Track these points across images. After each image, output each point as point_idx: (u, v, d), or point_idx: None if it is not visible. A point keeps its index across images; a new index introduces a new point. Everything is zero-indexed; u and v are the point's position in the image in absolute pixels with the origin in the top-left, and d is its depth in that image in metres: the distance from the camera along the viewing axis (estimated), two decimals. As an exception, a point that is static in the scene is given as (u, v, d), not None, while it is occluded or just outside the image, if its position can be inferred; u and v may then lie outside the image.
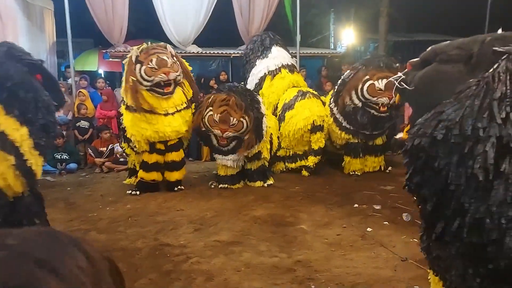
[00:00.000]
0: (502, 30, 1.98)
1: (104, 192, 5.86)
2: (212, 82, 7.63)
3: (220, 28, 10.48)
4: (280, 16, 10.85)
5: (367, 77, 6.03)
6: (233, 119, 5.55)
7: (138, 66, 5.34)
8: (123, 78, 5.59)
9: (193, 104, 5.89)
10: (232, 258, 3.69)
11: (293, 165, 6.70)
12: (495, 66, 1.62)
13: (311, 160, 6.48)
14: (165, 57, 5.41)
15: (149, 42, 5.82)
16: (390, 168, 6.71)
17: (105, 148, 7.31)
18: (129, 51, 8.88)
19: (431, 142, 1.71)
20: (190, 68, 6.04)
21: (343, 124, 6.37)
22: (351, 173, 6.48)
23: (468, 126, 1.60)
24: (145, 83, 5.32)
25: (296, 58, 8.81)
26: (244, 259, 3.67)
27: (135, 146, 5.62)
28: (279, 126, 6.55)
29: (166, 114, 5.46)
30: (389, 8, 8.95)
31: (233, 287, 3.23)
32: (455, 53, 1.86)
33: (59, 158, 7.08)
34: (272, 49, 7.12)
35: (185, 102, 5.64)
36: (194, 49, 9.24)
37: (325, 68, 9.25)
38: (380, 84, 5.93)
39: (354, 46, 11.27)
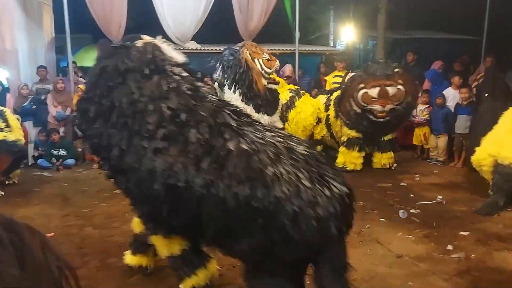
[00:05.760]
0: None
1: (100, 188, 5.83)
2: (206, 79, 7.57)
3: (219, 24, 10.44)
4: (280, 13, 10.82)
5: (362, 85, 6.14)
6: None
7: None
8: None
9: None
10: (228, 254, 3.68)
11: None
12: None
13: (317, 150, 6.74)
14: None
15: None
16: (395, 165, 6.70)
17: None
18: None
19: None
20: None
21: (351, 126, 6.49)
22: (341, 166, 6.44)
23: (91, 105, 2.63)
24: None
25: (295, 55, 8.80)
26: (240, 255, 3.66)
27: None
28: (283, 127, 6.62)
29: None
30: (387, 5, 8.91)
31: (229, 283, 3.22)
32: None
33: (56, 154, 7.06)
34: None
35: None
36: (193, 45, 9.21)
37: (324, 65, 9.23)
38: (373, 92, 6.02)
39: (353, 43, 11.24)
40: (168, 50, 2.73)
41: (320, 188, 2.23)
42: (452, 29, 11.00)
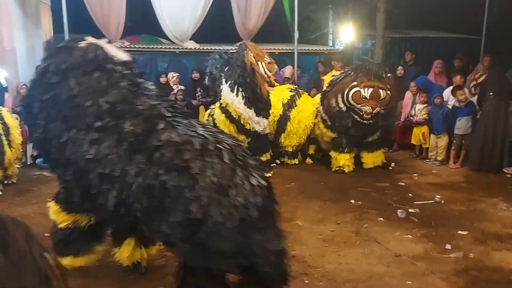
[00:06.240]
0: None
1: (100, 188, 5.83)
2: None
3: (217, 24, 10.43)
4: (278, 12, 10.80)
5: (355, 83, 6.03)
6: None
7: None
8: None
9: None
10: (226, 254, 3.68)
11: (295, 161, 6.85)
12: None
13: (312, 148, 6.96)
14: None
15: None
16: (393, 164, 6.69)
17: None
18: (126, 47, 8.96)
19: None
20: None
21: (328, 123, 6.47)
22: (336, 168, 6.42)
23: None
24: None
25: (294, 54, 8.80)
26: (238, 255, 3.66)
27: None
28: (286, 126, 6.61)
29: None
30: (386, 4, 8.90)
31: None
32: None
33: (55, 153, 7.05)
34: None
35: None
36: (192, 44, 9.20)
37: (322, 64, 9.22)
38: (366, 92, 5.96)
39: (352, 43, 11.23)
40: (112, 50, 2.89)
41: (241, 178, 2.36)
42: (451, 28, 10.99)
